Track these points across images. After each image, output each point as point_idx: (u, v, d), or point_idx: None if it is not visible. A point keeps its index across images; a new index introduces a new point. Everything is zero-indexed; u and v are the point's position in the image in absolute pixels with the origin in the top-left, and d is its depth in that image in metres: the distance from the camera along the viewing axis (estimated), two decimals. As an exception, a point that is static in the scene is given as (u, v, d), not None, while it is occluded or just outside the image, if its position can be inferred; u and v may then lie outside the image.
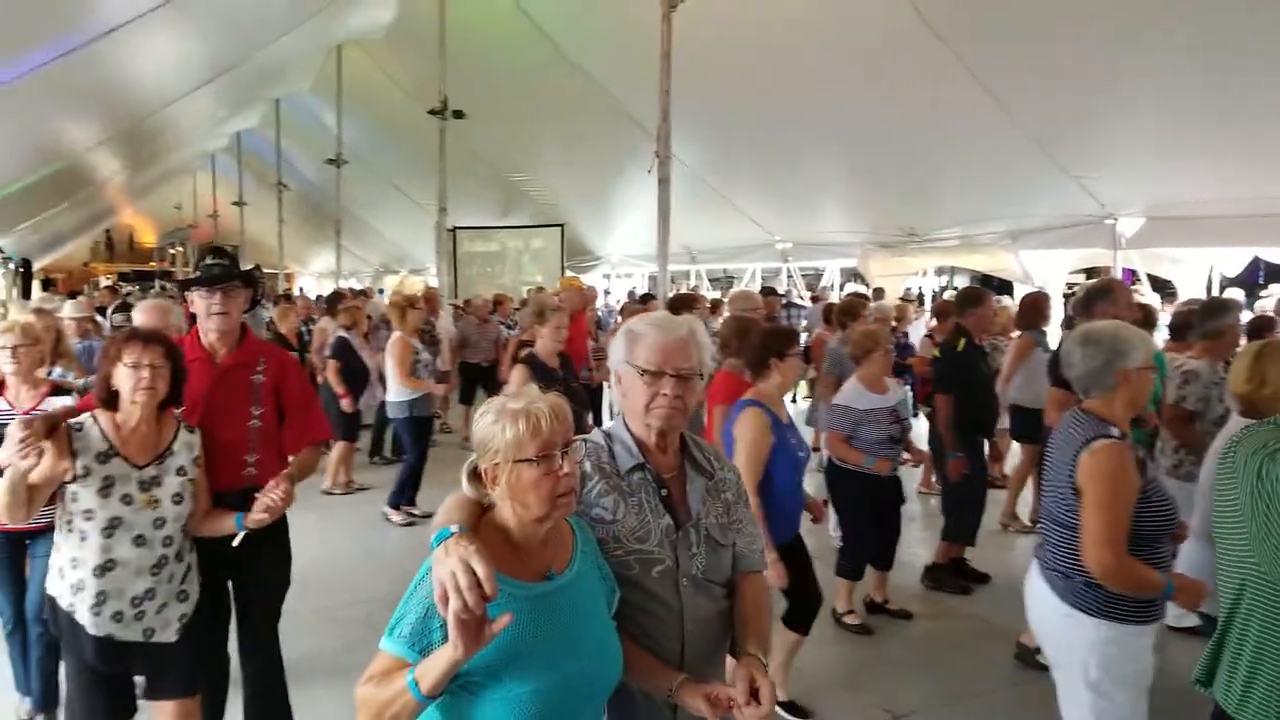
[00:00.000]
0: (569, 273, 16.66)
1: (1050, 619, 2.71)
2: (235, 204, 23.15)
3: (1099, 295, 4.73)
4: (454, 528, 1.62)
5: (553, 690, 1.66)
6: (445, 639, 1.53)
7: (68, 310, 5.32)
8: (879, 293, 11.70)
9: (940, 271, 12.25)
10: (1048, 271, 10.66)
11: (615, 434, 2.08)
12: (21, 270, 19.87)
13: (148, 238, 36.03)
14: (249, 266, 3.66)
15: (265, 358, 3.45)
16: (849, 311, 7.25)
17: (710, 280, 15.43)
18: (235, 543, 2.95)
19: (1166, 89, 7.52)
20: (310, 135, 18.81)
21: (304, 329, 10.16)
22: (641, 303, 9.62)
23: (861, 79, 9.40)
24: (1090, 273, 11.36)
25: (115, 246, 35.48)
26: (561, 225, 16.95)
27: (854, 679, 4.49)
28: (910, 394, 7.51)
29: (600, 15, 10.70)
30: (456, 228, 16.22)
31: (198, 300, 3.31)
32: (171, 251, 35.54)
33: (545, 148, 14.95)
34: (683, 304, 6.82)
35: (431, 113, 12.27)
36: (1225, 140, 7.55)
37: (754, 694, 1.77)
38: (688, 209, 11.41)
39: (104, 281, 31.42)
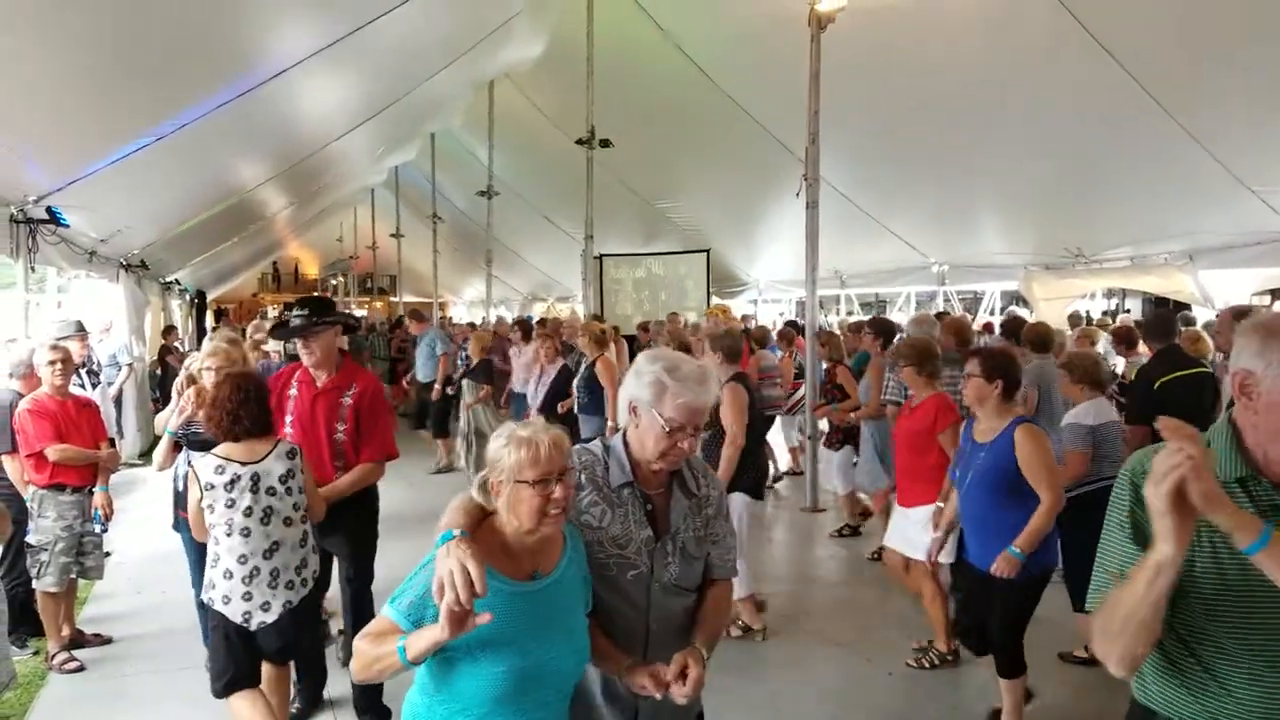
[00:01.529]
0: (715, 299, 16.64)
1: None
2: (393, 236, 24.37)
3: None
4: (456, 531, 1.92)
5: (522, 671, 1.98)
6: (436, 619, 1.82)
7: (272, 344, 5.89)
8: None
9: (1110, 294, 11.50)
10: (1229, 293, 9.88)
11: (614, 450, 2.32)
12: (196, 301, 21.51)
13: (311, 269, 38.31)
14: (356, 306, 4.55)
15: (356, 383, 4.29)
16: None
17: (861, 305, 15.02)
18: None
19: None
20: (462, 168, 19.61)
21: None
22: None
23: (1021, 95, 9.04)
24: (1276, 293, 10.49)
25: (281, 278, 37.78)
26: (707, 251, 16.94)
27: None
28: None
29: (747, 39, 10.69)
30: (603, 255, 16.47)
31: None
32: (334, 282, 37.69)
33: (690, 174, 15.00)
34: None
35: (579, 142, 12.55)
36: None
37: (683, 676, 2.09)
38: (836, 232, 11.21)
39: (271, 311, 33.57)
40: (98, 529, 5.25)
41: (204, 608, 3.91)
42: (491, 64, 13.79)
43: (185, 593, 4.93)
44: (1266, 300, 10.78)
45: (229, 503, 3.55)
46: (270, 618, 3.62)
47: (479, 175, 17.62)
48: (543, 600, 2.06)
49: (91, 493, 5.16)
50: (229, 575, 3.58)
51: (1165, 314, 7.41)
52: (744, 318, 13.79)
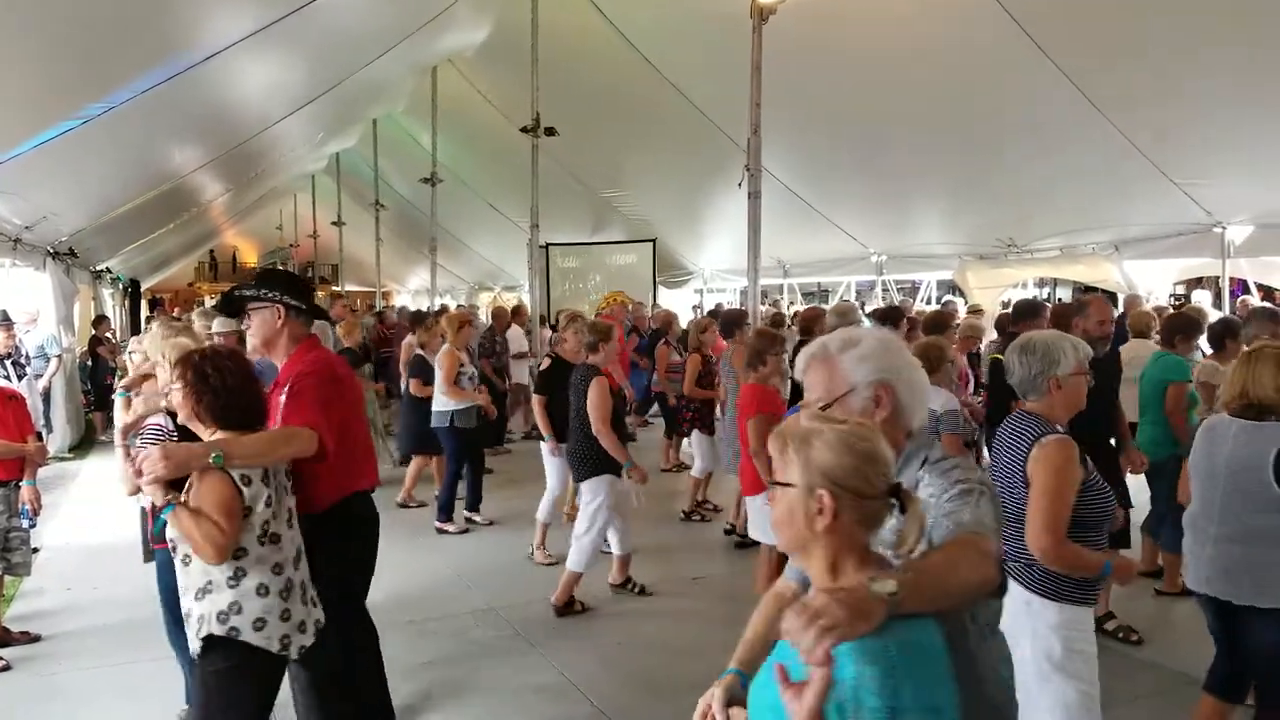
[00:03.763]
0: (660, 288, 16.72)
1: (1012, 608, 2.71)
2: (334, 224, 23.95)
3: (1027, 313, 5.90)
4: None
5: None
6: None
7: (217, 325, 5.65)
8: (976, 310, 11.38)
9: (1041, 283, 11.85)
10: (1152, 281, 10.24)
11: None
12: (129, 291, 20.94)
13: (250, 258, 37.44)
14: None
15: (302, 366, 3.46)
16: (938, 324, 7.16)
17: (804, 294, 15.23)
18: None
19: (1275, 94, 7.21)
20: (406, 154, 19.35)
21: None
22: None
23: (957, 88, 9.25)
24: (1197, 282, 10.88)
25: (219, 267, 36.90)
26: (653, 240, 16.98)
27: None
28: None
29: (690, 29, 10.74)
30: (549, 244, 16.41)
31: None
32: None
33: (637, 163, 15.05)
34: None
35: (524, 130, 12.47)
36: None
37: None
38: (780, 222, 11.33)
39: (208, 301, 32.82)
40: (25, 524, 5.12)
41: (188, 653, 3.00)
42: (435, 48, 13.63)
43: (117, 589, 4.84)
44: (1181, 290, 11.18)
45: (269, 500, 2.88)
46: (309, 640, 3.01)
47: (423, 162, 17.39)
48: None
49: (18, 487, 5.03)
50: (264, 591, 2.84)
51: (1032, 301, 8.02)
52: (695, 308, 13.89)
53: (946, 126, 9.79)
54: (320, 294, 30.59)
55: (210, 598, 2.80)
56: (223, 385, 2.87)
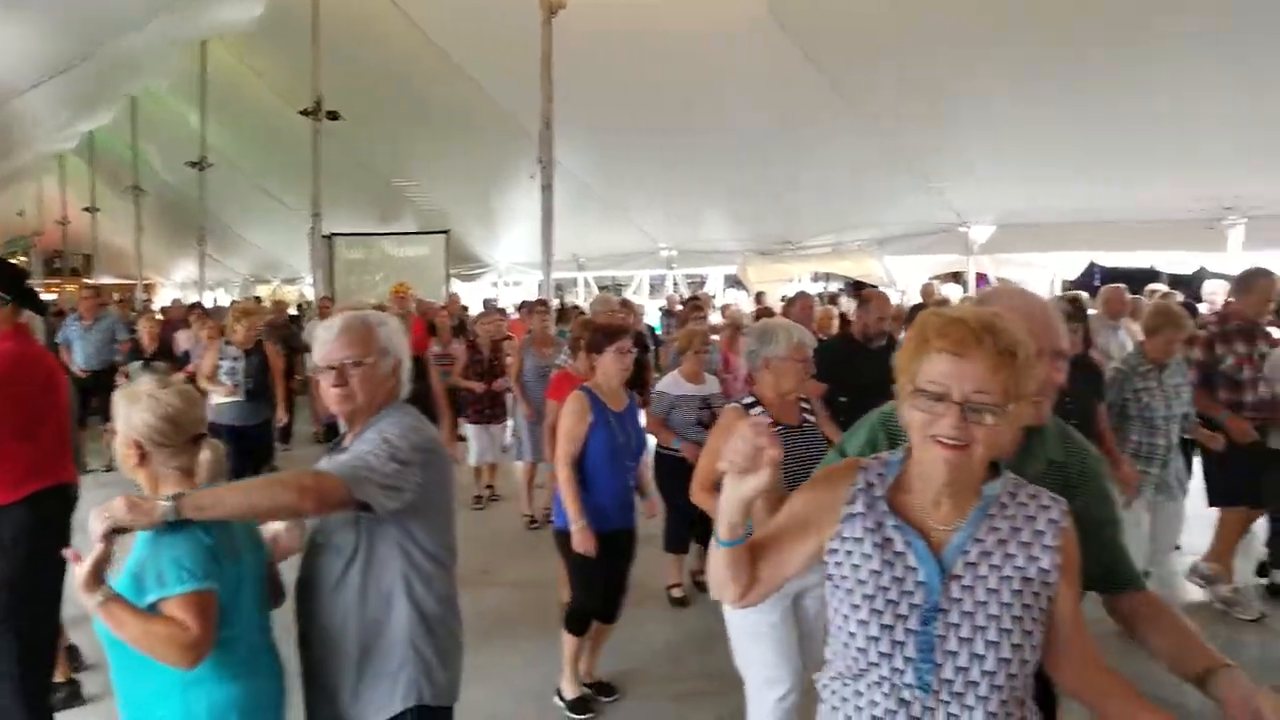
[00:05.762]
0: (452, 280, 16.46)
1: None
2: (86, 209, 21.82)
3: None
4: None
5: None
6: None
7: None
8: (760, 298, 12.05)
9: (816, 278, 12.75)
10: (910, 276, 11.22)
11: None
12: None
13: (-14, 246, 33.42)
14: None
15: None
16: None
17: (599, 288, 15.49)
18: None
19: (1013, 105, 8.11)
20: (172, 136, 17.95)
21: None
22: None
23: (736, 90, 9.72)
24: (953, 276, 11.97)
25: (-52, 255, 32.69)
26: (446, 232, 16.68)
27: (678, 651, 4.63)
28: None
29: (482, 17, 10.65)
30: (333, 234, 15.77)
31: None
32: (13, 261, 33.07)
33: (429, 152, 14.69)
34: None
35: (304, 113, 11.93)
36: (1064, 154, 8.18)
37: None
38: (574, 216, 11.49)
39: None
40: None
41: None
42: (201, 22, 12.71)
43: None
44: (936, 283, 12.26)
45: None
46: None
47: (191, 144, 16.23)
48: None
49: None
50: None
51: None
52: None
53: (727, 126, 10.26)
54: (70, 287, 27.77)
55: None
56: None
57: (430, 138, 13.97)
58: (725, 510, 1.49)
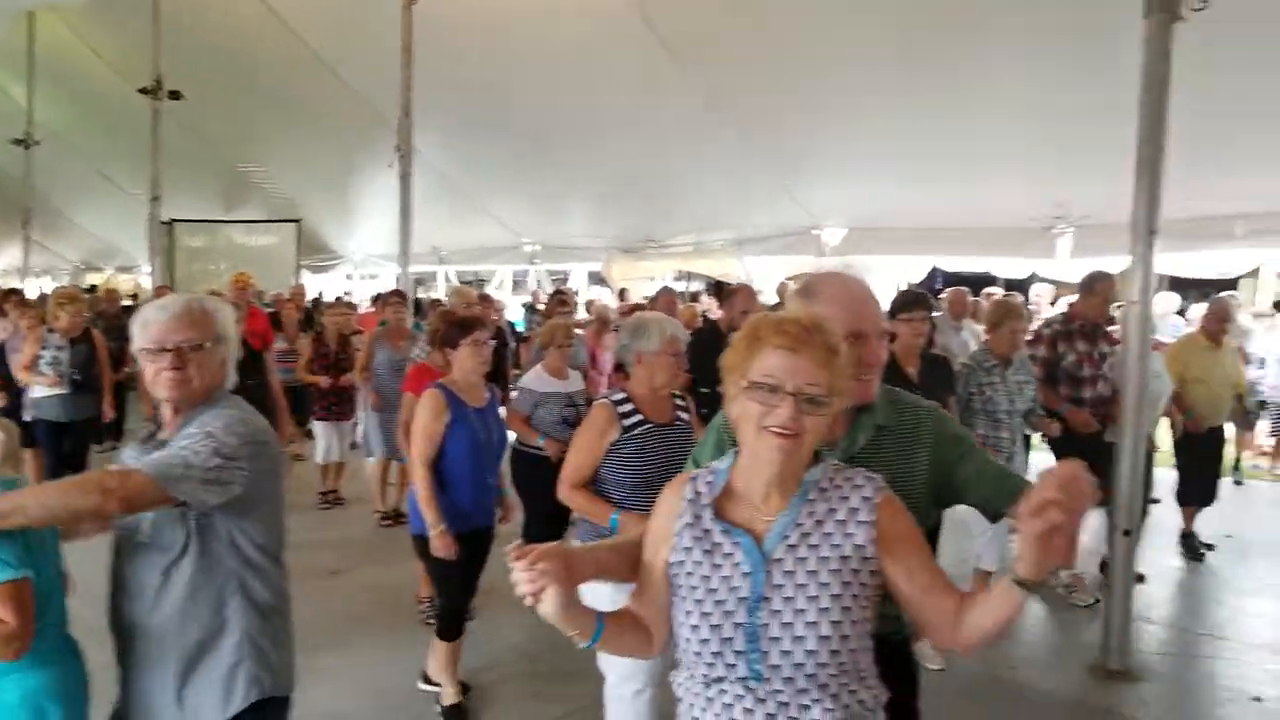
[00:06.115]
0: (303, 272, 15.84)
1: None
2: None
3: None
4: None
5: None
6: None
7: None
8: (624, 294, 12.14)
9: (679, 276, 12.97)
10: (767, 276, 11.56)
11: None
12: None
13: None
14: None
15: None
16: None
17: (462, 282, 15.24)
18: None
19: (867, 113, 8.43)
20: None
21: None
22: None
23: (600, 88, 9.72)
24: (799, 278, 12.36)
25: None
26: (297, 221, 16.02)
27: (535, 648, 4.53)
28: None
29: (340, 2, 10.29)
30: (174, 220, 14.90)
31: None
32: None
33: (280, 137, 14.07)
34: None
35: (143, 92, 11.24)
36: (912, 163, 8.59)
37: None
38: (434, 208, 11.26)
39: None
40: None
41: None
42: (26, -9, 11.80)
43: None
44: (790, 284, 12.70)
45: None
46: None
47: (15, 120, 14.99)
48: None
49: None
50: None
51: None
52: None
53: (591, 122, 10.26)
54: None
55: None
56: None
57: (281, 122, 13.38)
58: (561, 627, 1.52)
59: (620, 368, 3.50)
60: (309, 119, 12.80)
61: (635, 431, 3.12)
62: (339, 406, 7.22)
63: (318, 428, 7.32)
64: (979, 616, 1.53)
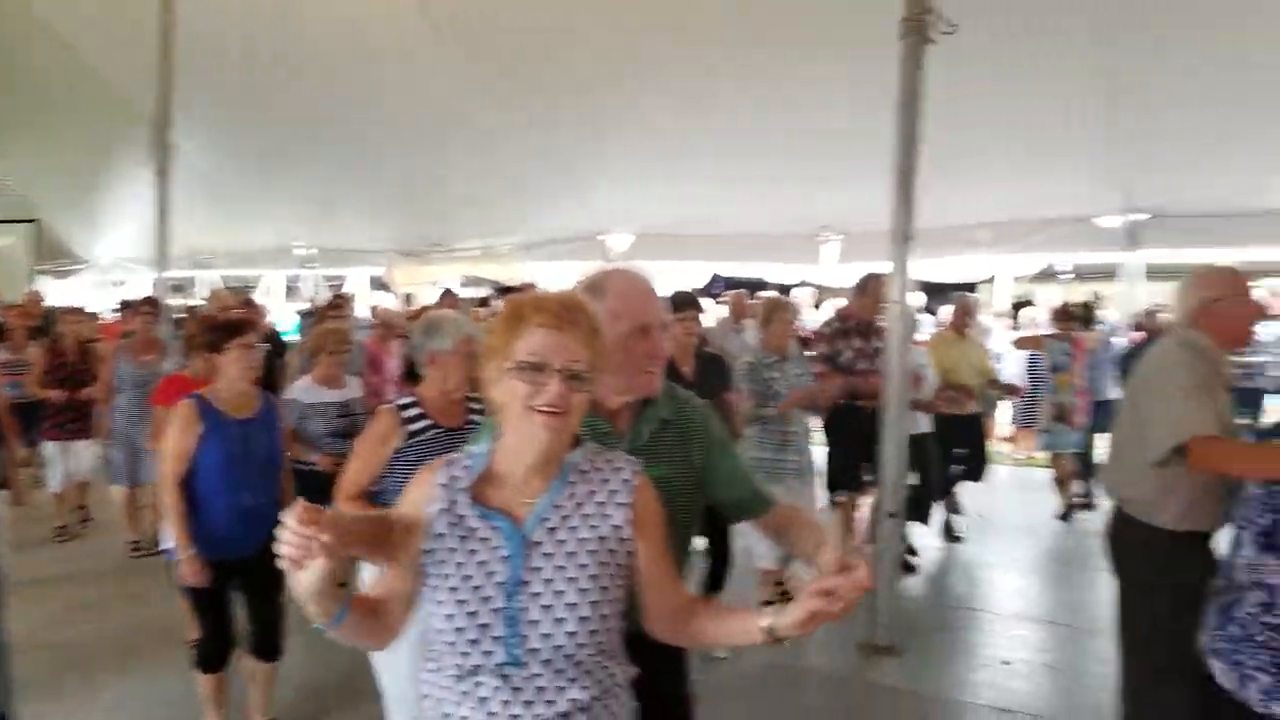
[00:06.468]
0: (40, 278, 14.25)
1: None
2: None
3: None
4: None
5: None
6: None
7: None
8: (409, 299, 11.79)
9: (467, 281, 12.74)
10: (555, 280, 11.62)
11: None
12: None
13: None
14: None
15: None
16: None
17: (230, 287, 14.19)
18: None
19: (654, 120, 8.67)
20: None
21: None
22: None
23: (380, 84, 9.40)
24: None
25: None
26: (34, 221, 14.39)
27: (314, 671, 4.40)
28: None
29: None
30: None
31: None
32: None
33: (13, 129, 12.59)
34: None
35: None
36: (695, 171, 8.97)
37: None
38: (195, 209, 10.47)
39: None
40: None
41: None
42: None
43: None
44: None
45: None
46: None
47: None
48: None
49: None
50: None
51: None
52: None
53: (377, 123, 9.91)
54: None
55: None
56: None
57: (18, 111, 11.95)
58: (303, 602, 1.44)
59: (410, 373, 3.33)
60: (49, 109, 11.61)
61: (421, 436, 3.00)
62: (76, 424, 6.47)
63: (50, 449, 6.51)
64: (714, 629, 1.63)
